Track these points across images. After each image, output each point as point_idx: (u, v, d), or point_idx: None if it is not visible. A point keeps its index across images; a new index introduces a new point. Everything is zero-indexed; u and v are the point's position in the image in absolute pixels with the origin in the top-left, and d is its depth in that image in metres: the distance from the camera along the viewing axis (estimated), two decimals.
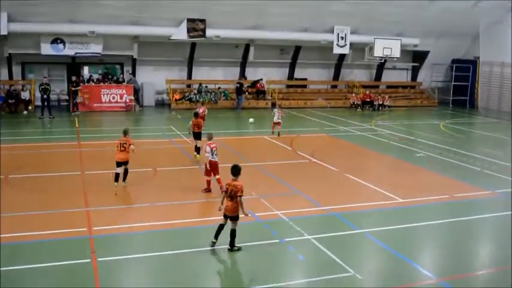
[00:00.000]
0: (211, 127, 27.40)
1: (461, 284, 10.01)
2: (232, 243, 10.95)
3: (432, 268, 10.59)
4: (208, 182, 15.18)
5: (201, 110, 21.53)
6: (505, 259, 11.00)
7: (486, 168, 19.42)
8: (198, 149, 19.48)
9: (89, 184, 15.84)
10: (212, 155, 14.71)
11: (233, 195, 10.87)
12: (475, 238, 12.92)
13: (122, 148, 15.27)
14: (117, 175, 15.20)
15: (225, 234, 10.93)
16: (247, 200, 14.28)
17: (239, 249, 10.99)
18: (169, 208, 13.84)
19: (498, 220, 13.79)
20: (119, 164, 15.26)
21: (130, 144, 15.34)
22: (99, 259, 10.32)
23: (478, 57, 40.65)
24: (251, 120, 29.59)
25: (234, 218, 10.95)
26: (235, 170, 11.14)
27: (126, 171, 15.52)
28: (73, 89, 31.85)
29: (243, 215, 11.00)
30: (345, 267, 10.26)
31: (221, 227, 11.05)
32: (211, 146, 14.77)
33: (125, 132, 15.85)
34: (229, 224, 11.02)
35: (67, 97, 32.90)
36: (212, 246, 10.99)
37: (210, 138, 15.11)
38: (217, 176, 14.93)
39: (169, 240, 11.67)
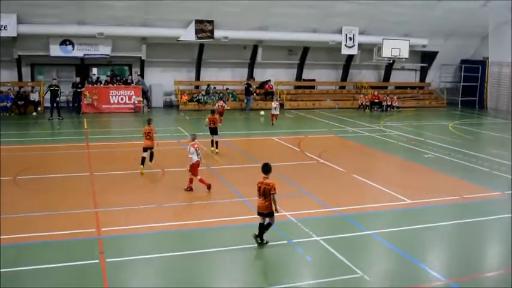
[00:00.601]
0: (220, 128, 27.51)
1: (470, 285, 9.94)
2: (261, 235, 11.22)
3: (440, 269, 10.54)
4: (191, 180, 15.49)
5: (220, 104, 22.92)
6: None
7: (495, 169, 19.31)
8: (216, 144, 20.88)
9: (97, 185, 15.91)
10: (197, 155, 15.14)
11: (266, 193, 11.10)
12: (484, 239, 12.86)
13: (148, 136, 17.64)
14: (143, 159, 17.53)
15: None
16: (255, 201, 14.35)
17: (267, 242, 11.26)
18: (178, 209, 13.89)
19: (507, 221, 13.70)
20: (145, 150, 17.66)
21: (153, 133, 17.82)
22: (108, 260, 10.36)
23: (487, 58, 40.44)
24: (262, 113, 29.88)
25: (270, 215, 11.23)
26: (266, 168, 11.34)
27: (152, 154, 18.10)
28: (73, 89, 31.95)
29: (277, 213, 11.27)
30: (353, 268, 10.24)
31: (261, 226, 11.28)
32: (195, 146, 15.23)
33: (149, 122, 18.20)
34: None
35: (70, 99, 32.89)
36: (264, 244, 11.23)
37: (193, 139, 15.54)
38: (198, 177, 15.33)
39: (177, 241, 11.71)
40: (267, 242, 11.27)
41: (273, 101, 31.24)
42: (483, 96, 41.38)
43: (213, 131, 20.91)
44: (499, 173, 18.72)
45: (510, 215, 14.02)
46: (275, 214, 11.32)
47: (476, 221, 13.73)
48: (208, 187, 15.38)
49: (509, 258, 11.33)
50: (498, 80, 40.06)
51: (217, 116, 21.29)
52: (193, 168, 15.25)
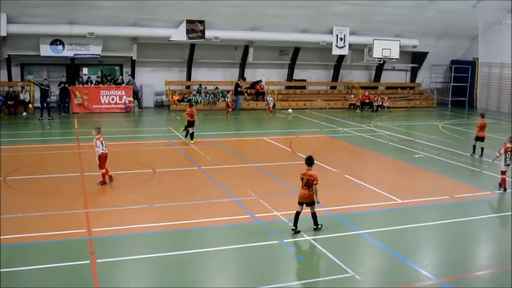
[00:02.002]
0: (210, 128, 27.52)
1: (461, 284, 9.99)
2: (316, 223, 12.16)
3: (432, 269, 10.58)
4: (103, 175, 15.93)
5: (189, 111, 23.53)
6: (504, 260, 11.00)
7: (485, 169, 19.44)
8: (191, 135, 22.95)
9: (88, 185, 15.83)
10: (103, 147, 15.76)
11: (310, 183, 11.94)
12: (475, 239, 12.94)
13: (189, 117, 22.62)
14: (191, 134, 22.71)
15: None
16: (247, 200, 14.36)
17: (321, 226, 12.21)
18: (169, 209, 13.83)
19: (497, 221, 13.82)
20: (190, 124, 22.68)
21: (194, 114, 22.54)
22: (98, 260, 10.31)
23: (477, 58, 40.74)
24: (290, 111, 30.94)
25: (311, 204, 12.08)
26: (310, 161, 12.31)
27: (193, 133, 22.80)
28: (59, 87, 31.69)
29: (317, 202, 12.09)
30: (344, 268, 10.25)
31: (298, 214, 12.01)
32: (101, 139, 15.82)
33: (191, 105, 24.25)
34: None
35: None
36: (294, 233, 11.90)
37: (98, 132, 16.06)
38: (102, 170, 15.90)
39: (168, 242, 11.67)
40: (321, 226, 12.25)
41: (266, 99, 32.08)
42: (473, 97, 41.68)
43: (190, 124, 22.73)
44: (489, 173, 18.84)
45: (500, 214, 14.14)
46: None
47: (467, 220, 13.81)
48: (103, 183, 15.84)
49: (500, 257, 11.41)
50: (488, 81, 40.36)
51: (194, 109, 23.14)
52: (101, 161, 15.80)
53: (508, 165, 16.28)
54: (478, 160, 20.92)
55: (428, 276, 10.17)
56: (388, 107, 38.53)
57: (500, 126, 32.14)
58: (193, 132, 23.00)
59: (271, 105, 32.94)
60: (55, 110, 31.21)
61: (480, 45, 40.09)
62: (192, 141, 22.74)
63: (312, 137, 25.84)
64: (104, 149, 15.82)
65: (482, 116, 22.56)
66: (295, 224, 11.96)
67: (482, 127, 21.53)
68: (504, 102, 38.85)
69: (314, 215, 12.16)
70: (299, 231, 11.94)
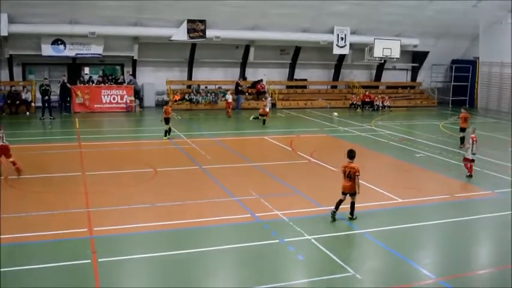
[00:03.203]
0: (211, 127, 27.57)
1: (462, 283, 10.02)
2: (352, 213, 13.05)
3: (432, 268, 10.61)
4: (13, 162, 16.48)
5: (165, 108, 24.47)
6: (505, 259, 11.03)
7: (486, 168, 19.44)
8: (167, 132, 23.75)
9: (89, 185, 15.89)
10: (2, 140, 16.39)
11: (352, 175, 12.79)
12: (475, 238, 12.97)
13: (165, 114, 23.48)
14: (168, 131, 23.34)
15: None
16: (247, 200, 14.41)
17: (356, 218, 13.01)
18: (170, 208, 13.88)
19: (498, 220, 13.83)
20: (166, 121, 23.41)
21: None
22: (100, 259, 10.35)
23: (478, 58, 40.77)
24: (335, 114, 31.60)
25: (352, 194, 12.93)
26: (352, 154, 13.20)
27: (169, 129, 23.63)
28: (59, 85, 31.70)
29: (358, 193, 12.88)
30: (344, 267, 10.29)
31: (340, 202, 13.00)
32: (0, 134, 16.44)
33: (166, 102, 26.21)
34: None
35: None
36: (333, 215, 12.97)
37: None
38: (10, 159, 16.49)
39: (169, 241, 11.71)
40: (356, 218, 13.03)
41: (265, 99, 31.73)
42: (473, 96, 41.69)
43: (166, 121, 23.63)
44: (489, 172, 18.85)
45: (501, 214, 14.16)
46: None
47: (467, 219, 13.84)
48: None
49: (500, 256, 11.45)
50: (488, 80, 40.38)
51: (169, 107, 24.25)
52: (6, 152, 16.45)
53: (474, 154, 17.76)
54: (478, 159, 20.92)
55: (428, 275, 10.20)
56: (389, 107, 38.54)
57: (500, 125, 32.19)
58: (170, 129, 23.73)
59: (267, 109, 29.65)
60: (56, 109, 31.25)
61: (481, 44, 40.12)
62: (165, 138, 23.49)
63: (313, 136, 25.87)
64: (5, 142, 16.48)
65: (465, 109, 24.73)
66: (336, 208, 12.95)
67: (465, 119, 23.43)
68: (504, 102, 38.87)
69: (353, 205, 12.99)
70: (356, 218, 13.01)
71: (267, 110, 29.34)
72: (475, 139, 17.64)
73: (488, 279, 10.31)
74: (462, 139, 23.11)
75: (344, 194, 13.02)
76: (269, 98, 31.52)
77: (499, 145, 24.67)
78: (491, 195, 16.03)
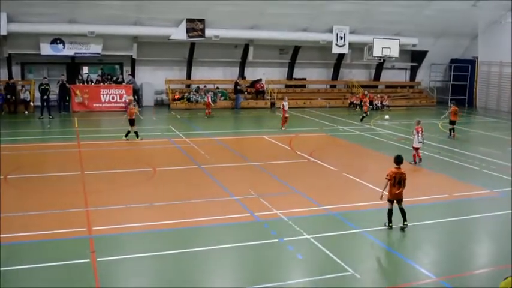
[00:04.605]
0: (210, 126, 27.57)
1: (460, 282, 10.04)
2: (405, 218, 12.47)
3: (431, 267, 10.62)
4: None
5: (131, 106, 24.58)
6: (504, 258, 11.03)
7: (485, 167, 19.47)
8: (129, 132, 22.94)
9: (88, 184, 15.88)
10: None
11: (402, 181, 12.32)
12: (475, 237, 13.00)
13: (129, 115, 23.04)
14: (135, 132, 22.79)
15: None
16: (247, 199, 14.41)
17: (407, 225, 12.50)
18: (169, 208, 13.87)
19: (497, 219, 13.84)
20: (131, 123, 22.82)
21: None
22: (99, 259, 10.36)
23: (477, 57, 40.79)
24: (387, 117, 32.01)
25: (401, 200, 12.43)
26: (400, 160, 12.64)
27: (136, 132, 22.90)
28: (58, 84, 31.63)
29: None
30: (343, 266, 10.30)
31: (391, 213, 12.47)
32: None
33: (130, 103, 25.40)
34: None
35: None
36: (391, 227, 12.46)
37: None
38: None
39: (168, 240, 11.71)
40: (406, 224, 12.50)
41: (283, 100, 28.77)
42: (473, 95, 41.70)
43: (132, 122, 22.94)
44: (488, 171, 18.87)
45: (500, 213, 14.17)
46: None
47: (466, 218, 13.86)
48: None
49: (499, 255, 11.45)
50: (487, 79, 40.41)
51: (134, 108, 23.94)
52: None
53: (421, 142, 19.89)
54: (477, 159, 20.94)
55: (427, 274, 10.21)
56: (388, 106, 38.54)
57: (500, 124, 32.20)
58: (136, 132, 22.99)
59: (286, 115, 27.48)
60: (55, 108, 31.23)
61: (480, 44, 40.17)
62: (125, 138, 22.81)
63: (312, 136, 25.87)
64: None
65: (454, 103, 27.24)
66: (390, 221, 12.47)
67: (454, 113, 26.08)
68: (504, 101, 38.88)
69: (404, 211, 12.49)
70: (391, 226, 12.49)
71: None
72: (420, 129, 19.66)
73: (488, 278, 10.30)
74: (451, 130, 26.10)
75: (391, 201, 12.48)
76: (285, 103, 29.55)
77: (498, 144, 24.67)
78: (491, 194, 16.04)
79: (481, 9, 36.32)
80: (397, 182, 12.34)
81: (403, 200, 12.54)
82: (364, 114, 30.84)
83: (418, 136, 19.74)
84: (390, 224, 12.43)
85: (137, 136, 23.00)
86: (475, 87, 41.41)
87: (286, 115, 27.42)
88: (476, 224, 13.66)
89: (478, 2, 35.67)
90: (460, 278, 10.27)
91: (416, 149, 19.88)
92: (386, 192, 12.55)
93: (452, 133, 26.06)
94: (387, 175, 12.45)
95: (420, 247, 11.86)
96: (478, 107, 40.60)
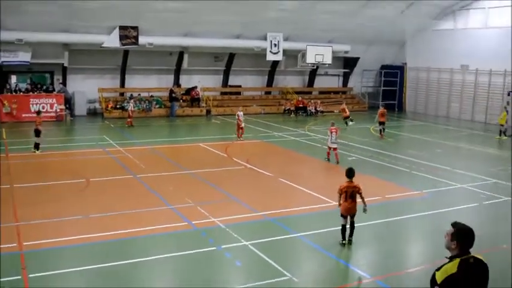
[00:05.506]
0: (145, 135, 27.21)
1: (395, 281, 10.36)
2: (352, 233, 12.06)
3: (367, 268, 10.91)
4: None
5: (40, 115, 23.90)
6: (436, 256, 11.43)
7: (414, 169, 20.19)
8: (36, 145, 21.99)
9: (19, 197, 15.30)
10: None
11: (354, 195, 12.00)
12: (407, 237, 13.46)
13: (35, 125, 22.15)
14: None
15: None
16: (184, 208, 14.32)
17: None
18: (104, 220, 13.57)
19: (427, 219, 14.39)
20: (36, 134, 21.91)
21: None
22: (31, 275, 10.00)
23: (405, 63, 42.31)
24: (350, 123, 32.70)
25: (354, 214, 12.09)
26: (352, 173, 12.19)
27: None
28: None
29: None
30: (281, 271, 10.41)
31: (344, 228, 12.06)
32: None
33: (38, 112, 24.70)
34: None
35: None
36: (343, 245, 11.99)
37: None
38: None
39: (103, 253, 11.42)
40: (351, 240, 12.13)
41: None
42: (402, 100, 43.20)
43: (37, 133, 22.05)
44: (418, 173, 19.59)
45: (430, 213, 14.75)
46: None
47: (398, 219, 14.33)
48: None
49: (431, 253, 11.88)
50: (416, 84, 41.98)
51: (38, 118, 22.83)
52: None
53: (334, 142, 21.18)
54: (407, 161, 21.68)
55: (363, 275, 10.48)
56: (322, 111, 39.27)
57: (427, 127, 33.50)
58: (37, 144, 22.03)
59: (242, 125, 26.49)
60: None
61: (407, 50, 41.74)
62: (35, 150, 21.88)
63: (248, 143, 25.98)
64: None
65: (383, 106, 29.84)
66: (344, 238, 12.05)
67: (382, 114, 28.15)
68: (431, 105, 40.50)
69: (353, 225, 12.09)
70: (345, 243, 12.04)
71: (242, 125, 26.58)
72: (334, 131, 21.13)
73: (421, 276, 10.60)
74: (381, 131, 28.14)
75: (344, 217, 12.10)
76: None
77: (426, 147, 25.66)
78: (421, 195, 16.65)
79: (409, 17, 37.74)
80: (349, 196, 12.02)
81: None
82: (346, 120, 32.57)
83: (331, 137, 21.17)
84: (344, 242, 12.03)
85: (37, 148, 21.94)
86: (404, 92, 42.94)
87: (242, 125, 26.42)
88: (408, 224, 14.15)
89: (405, 10, 37.02)
90: (395, 276, 10.61)
91: (332, 148, 21.31)
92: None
93: (381, 133, 28.02)
94: (339, 189, 12.17)
95: (356, 249, 12.12)
96: (408, 111, 42.09)
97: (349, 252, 11.85)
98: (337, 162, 20.91)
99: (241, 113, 26.84)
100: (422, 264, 11.28)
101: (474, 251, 5.43)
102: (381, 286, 10.11)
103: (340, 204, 12.15)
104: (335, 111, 38.49)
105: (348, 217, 12.09)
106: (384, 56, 43.74)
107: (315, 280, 10.44)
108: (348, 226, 12.11)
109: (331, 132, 21.21)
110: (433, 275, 5.42)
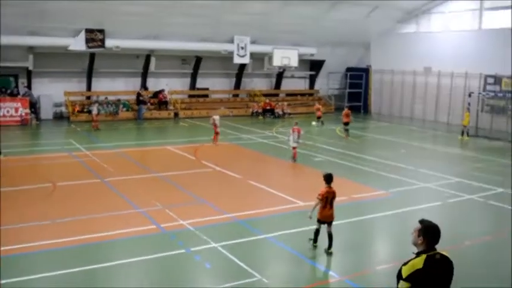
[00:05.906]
0: (112, 139, 27.04)
1: (363, 280, 10.61)
2: (331, 244, 11.72)
3: (335, 267, 11.16)
4: None
5: None
6: (402, 254, 11.72)
7: (380, 169, 20.60)
8: None
9: None
10: None
11: (333, 201, 11.74)
12: (374, 236, 13.77)
13: None
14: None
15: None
16: (152, 211, 14.34)
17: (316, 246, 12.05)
18: (72, 224, 13.49)
19: (393, 218, 14.74)
20: None
21: None
22: (3, 281, 9.91)
23: (370, 66, 43.01)
24: (314, 123, 33.79)
25: (331, 223, 11.79)
26: (331, 178, 11.87)
27: None
28: None
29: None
30: (251, 272, 10.55)
31: (318, 232, 11.89)
32: None
33: None
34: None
35: None
36: (315, 248, 11.93)
37: None
38: None
39: (73, 257, 11.36)
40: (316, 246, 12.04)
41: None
42: (367, 102, 43.89)
43: None
44: (383, 173, 20.00)
45: (396, 212, 15.10)
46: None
47: (365, 219, 14.63)
48: None
49: (397, 251, 12.20)
50: (380, 86, 42.68)
51: None
52: None
53: (297, 142, 21.96)
54: (373, 161, 22.10)
55: (332, 274, 10.73)
56: (289, 113, 39.60)
57: (392, 129, 34.13)
58: None
59: (217, 129, 26.11)
60: None
61: (372, 53, 42.44)
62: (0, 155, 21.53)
63: (217, 145, 26.04)
64: None
65: (347, 107, 30.78)
66: (316, 241, 11.95)
67: (346, 115, 29.07)
68: (395, 107, 41.24)
69: (331, 236, 11.74)
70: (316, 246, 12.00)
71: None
72: (296, 130, 21.89)
73: (390, 273, 10.82)
74: (347, 131, 29.06)
75: (321, 222, 11.82)
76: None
77: (391, 147, 26.19)
78: (386, 195, 17.02)
79: (373, 20, 38.41)
80: (329, 202, 11.72)
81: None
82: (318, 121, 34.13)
83: (293, 136, 21.91)
84: (315, 244, 11.94)
85: None
86: (369, 94, 43.64)
87: (218, 130, 26.10)
88: (374, 223, 14.47)
89: (371, 13, 37.67)
90: (363, 275, 10.86)
91: (293, 148, 21.92)
92: (315, 213, 11.79)
93: (345, 134, 28.96)
94: (319, 195, 11.68)
95: (323, 248, 12.34)
96: (373, 113, 42.78)
97: (317, 252, 12.02)
98: (294, 161, 21.67)
99: (218, 117, 26.53)
100: (389, 262, 11.52)
101: (439, 248, 5.67)
102: (349, 285, 10.35)
103: (313, 210, 11.69)
104: (302, 113, 38.86)
105: (326, 225, 11.77)
106: (349, 59, 44.40)
107: (284, 280, 10.61)
108: (324, 235, 11.75)
109: (293, 132, 21.88)
110: (400, 270, 5.63)
